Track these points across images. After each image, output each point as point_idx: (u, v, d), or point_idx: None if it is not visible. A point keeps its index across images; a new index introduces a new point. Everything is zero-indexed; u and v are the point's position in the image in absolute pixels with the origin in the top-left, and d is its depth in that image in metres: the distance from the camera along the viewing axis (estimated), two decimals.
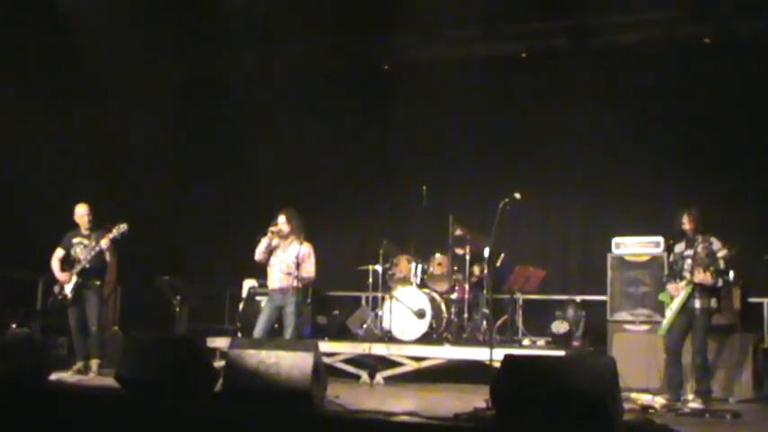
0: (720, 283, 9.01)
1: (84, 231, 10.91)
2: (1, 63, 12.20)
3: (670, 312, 9.18)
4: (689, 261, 9.13)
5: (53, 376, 9.69)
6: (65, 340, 11.66)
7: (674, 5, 12.73)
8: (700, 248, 9.05)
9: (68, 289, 10.70)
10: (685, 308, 9.04)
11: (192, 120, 15.12)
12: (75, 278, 10.69)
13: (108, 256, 10.87)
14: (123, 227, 10.61)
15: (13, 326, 11.43)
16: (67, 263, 10.83)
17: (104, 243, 10.62)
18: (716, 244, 9.01)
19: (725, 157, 12.68)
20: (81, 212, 10.90)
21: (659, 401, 8.93)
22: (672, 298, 9.18)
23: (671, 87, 12.99)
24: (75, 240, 10.87)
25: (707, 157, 12.77)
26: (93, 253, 10.67)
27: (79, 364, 10.68)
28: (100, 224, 10.89)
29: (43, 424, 7.88)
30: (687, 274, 9.09)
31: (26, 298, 12.43)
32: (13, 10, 12.13)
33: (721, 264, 8.92)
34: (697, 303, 8.98)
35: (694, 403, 8.85)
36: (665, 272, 10.03)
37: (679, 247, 9.33)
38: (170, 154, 14.40)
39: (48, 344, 11.36)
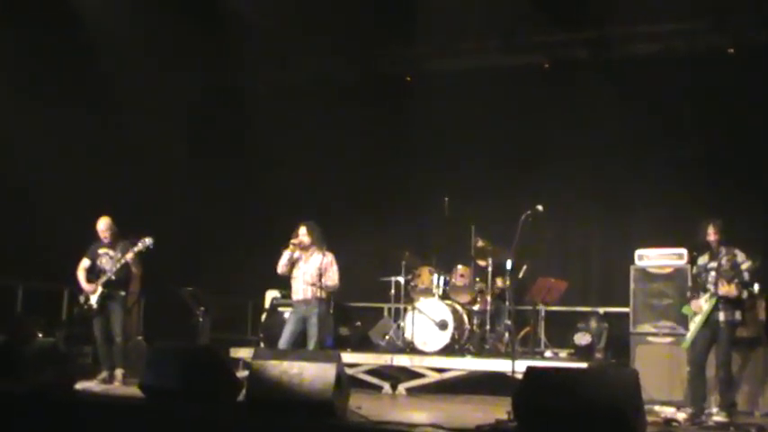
0: (745, 295, 8.94)
1: (108, 244, 10.99)
2: (27, 78, 12.31)
3: (694, 325, 9.12)
4: (713, 273, 9.07)
5: (79, 385, 9.76)
6: (90, 350, 11.74)
7: (697, 15, 12.69)
8: (724, 261, 8.99)
9: (94, 299, 10.77)
10: (709, 320, 8.98)
11: (215, 132, 15.20)
12: (100, 289, 10.76)
13: (134, 269, 10.94)
14: (148, 240, 10.68)
15: (39, 336, 11.51)
16: (93, 273, 10.91)
17: (129, 256, 10.70)
18: (740, 256, 8.95)
19: (748, 169, 12.62)
20: (102, 227, 10.96)
21: (683, 415, 8.90)
22: (695, 311, 9.13)
23: (693, 98, 12.94)
24: (100, 251, 10.96)
25: (730, 169, 12.71)
26: (118, 264, 10.75)
27: (104, 374, 10.75)
28: (124, 236, 10.96)
29: None
30: (711, 287, 9.03)
31: (51, 308, 12.51)
32: (37, 19, 12.29)
33: (746, 276, 8.86)
34: (721, 316, 8.92)
35: (718, 416, 8.79)
36: (689, 284, 9.98)
37: (703, 260, 9.28)
38: (193, 166, 14.47)
39: (73, 353, 11.43)
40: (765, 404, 9.82)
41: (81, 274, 10.92)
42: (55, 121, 12.29)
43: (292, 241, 10.62)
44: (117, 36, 12.74)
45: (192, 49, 13.68)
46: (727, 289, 8.82)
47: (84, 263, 10.95)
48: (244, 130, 15.07)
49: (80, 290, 10.93)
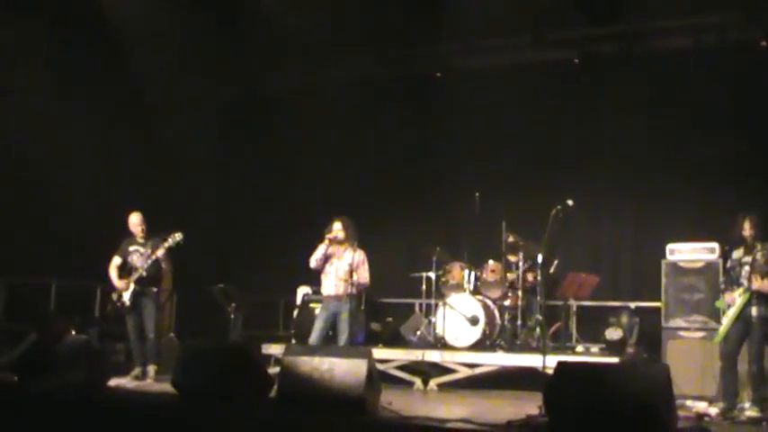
0: None
1: (140, 240, 11.09)
2: (56, 76, 12.42)
3: (726, 319, 9.08)
4: (747, 268, 9.01)
5: (112, 382, 9.86)
6: (122, 347, 11.83)
7: (728, 8, 12.60)
8: (759, 255, 8.93)
9: (126, 296, 10.87)
10: (742, 315, 8.93)
11: (246, 131, 15.27)
12: (132, 286, 10.85)
13: (164, 265, 11.02)
14: (178, 236, 10.77)
15: (72, 333, 11.61)
16: (125, 270, 11.01)
17: (160, 252, 10.79)
18: None
19: None
20: (135, 222, 11.08)
21: (715, 409, 8.86)
22: (728, 305, 9.08)
23: (725, 93, 12.83)
24: (131, 248, 11.05)
25: (762, 163, 12.61)
26: (149, 261, 10.83)
27: (137, 370, 10.84)
28: (154, 232, 11.05)
29: (104, 429, 8.01)
30: (744, 281, 8.98)
31: (84, 305, 12.62)
32: (67, 24, 12.41)
33: None
34: (754, 311, 8.87)
35: (751, 411, 8.74)
36: (721, 278, 9.92)
37: (737, 254, 9.22)
38: (224, 164, 14.55)
39: (106, 350, 11.53)
40: None
41: (113, 272, 11.02)
42: (86, 120, 12.38)
43: (328, 236, 10.66)
44: (147, 35, 12.80)
45: (223, 48, 13.73)
46: (761, 284, 8.77)
47: (116, 260, 11.05)
48: (275, 128, 15.11)
49: (112, 287, 11.03)
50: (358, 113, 14.87)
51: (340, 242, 10.66)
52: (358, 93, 14.89)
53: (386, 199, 14.90)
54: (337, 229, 10.66)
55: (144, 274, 10.85)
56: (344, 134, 14.79)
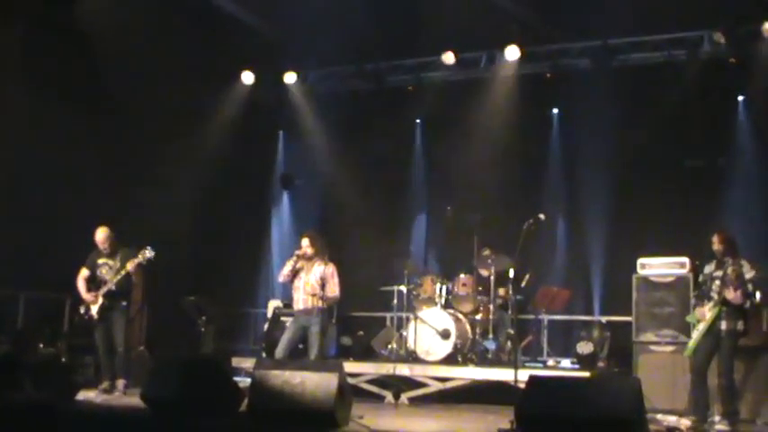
0: (748, 304, 8.95)
1: (107, 254, 10.99)
2: (24, 86, 12.32)
3: (697, 333, 9.12)
4: (717, 282, 9.06)
5: (80, 396, 9.77)
6: (91, 360, 11.72)
7: (699, 25, 12.71)
8: (729, 270, 8.97)
9: (94, 309, 10.76)
10: (712, 329, 8.97)
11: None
12: (101, 299, 10.75)
13: (134, 278, 10.91)
14: (149, 253, 10.65)
15: (41, 346, 11.51)
16: (93, 283, 10.90)
17: (130, 267, 10.68)
18: (746, 266, 8.94)
19: (750, 179, 12.63)
20: (100, 239, 10.93)
21: (685, 423, 8.88)
22: (699, 319, 9.12)
23: (696, 108, 12.95)
24: (99, 261, 10.94)
25: (732, 179, 12.72)
26: (118, 276, 10.73)
27: (105, 384, 10.72)
28: (124, 245, 10.96)
29: None
30: (715, 296, 9.03)
31: (53, 318, 12.50)
32: (41, 31, 12.33)
33: (749, 286, 8.87)
34: (723, 325, 8.91)
35: (721, 425, 8.78)
36: (692, 292, 9.97)
37: (708, 268, 9.27)
38: (196, 175, 14.47)
39: (74, 364, 11.43)
40: (767, 412, 9.79)
41: (81, 284, 10.91)
42: (55, 130, 12.26)
43: (296, 252, 10.66)
44: (120, 41, 12.75)
45: (196, 56, 13.71)
46: (734, 295, 8.79)
47: (84, 272, 10.93)
48: (245, 138, 15.08)
49: (81, 300, 10.92)
50: (331, 125, 14.92)
51: (308, 257, 10.63)
52: (330, 103, 14.93)
53: (357, 212, 14.89)
54: (305, 244, 10.64)
55: (113, 288, 10.74)
56: (317, 145, 14.83)
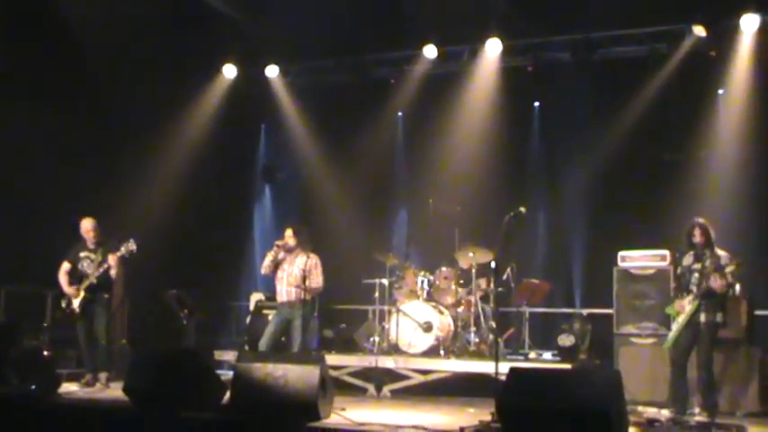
0: (730, 293, 9.01)
1: (91, 246, 10.96)
2: (8, 78, 12.25)
3: (676, 326, 9.17)
4: (696, 275, 9.10)
5: (62, 389, 9.75)
6: (73, 353, 11.69)
7: (680, 18, 12.76)
8: (708, 262, 9.02)
9: (76, 303, 10.73)
10: (691, 322, 9.02)
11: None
12: (82, 293, 10.72)
13: (113, 272, 10.85)
14: (132, 245, 10.62)
15: (23, 340, 11.47)
16: (74, 276, 10.86)
17: (112, 260, 10.64)
18: (724, 258, 8.98)
19: (731, 172, 12.70)
20: (86, 227, 10.93)
21: (665, 415, 8.95)
22: (678, 312, 9.17)
23: (677, 100, 13.02)
24: (81, 255, 10.91)
25: (713, 171, 12.80)
26: (100, 269, 10.70)
27: (88, 377, 10.70)
28: (107, 238, 10.94)
29: None
30: (694, 288, 9.08)
31: (35, 312, 12.45)
32: (21, 22, 12.27)
33: (729, 278, 8.91)
34: (702, 317, 8.95)
35: (700, 417, 8.83)
36: (672, 285, 10.02)
37: (687, 260, 9.29)
38: (178, 168, 14.44)
39: (57, 357, 11.38)
40: (746, 404, 9.86)
41: (62, 278, 10.88)
42: (34, 124, 12.20)
43: (276, 243, 10.68)
44: (104, 36, 12.70)
45: (177, 50, 13.67)
46: (719, 283, 8.80)
47: (65, 266, 10.90)
48: (228, 129, 15.06)
49: (62, 294, 10.89)
50: (315, 117, 14.95)
51: (291, 249, 10.65)
52: (317, 97, 14.96)
53: (340, 204, 14.91)
54: (288, 235, 10.67)
55: (95, 281, 10.72)
56: (304, 135, 14.87)
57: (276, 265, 10.71)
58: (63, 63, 12.65)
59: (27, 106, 12.08)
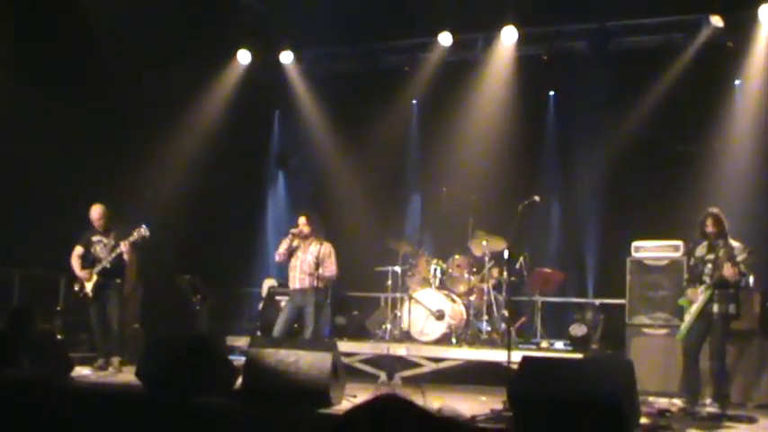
0: (743, 282, 8.97)
1: (102, 231, 10.98)
2: (19, 62, 12.27)
3: (689, 317, 9.13)
4: (709, 265, 9.07)
5: (74, 373, 9.78)
6: (86, 337, 11.74)
7: (699, 8, 12.69)
8: (721, 253, 8.98)
9: (89, 287, 10.77)
10: (704, 312, 8.98)
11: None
12: (95, 277, 10.76)
13: (126, 257, 10.87)
14: (144, 230, 10.64)
15: (36, 324, 11.51)
16: (87, 260, 10.90)
17: (124, 246, 10.66)
18: (737, 249, 8.95)
19: (746, 163, 12.65)
20: (95, 215, 10.95)
21: (677, 405, 8.94)
22: (691, 302, 9.14)
23: (692, 91, 12.96)
24: (94, 239, 10.94)
25: (728, 161, 12.74)
26: (113, 254, 10.73)
27: (100, 361, 10.75)
28: (117, 223, 10.95)
29: (66, 421, 7.95)
30: (707, 279, 9.04)
31: (48, 296, 12.50)
32: (34, 9, 12.29)
33: (742, 267, 8.87)
34: (715, 308, 8.92)
35: (712, 408, 8.81)
36: (685, 276, 9.99)
37: (700, 251, 9.26)
38: (191, 154, 14.45)
39: (69, 341, 11.44)
40: (758, 396, 9.84)
41: (75, 262, 10.92)
42: (48, 109, 12.21)
43: (291, 230, 10.69)
44: (115, 24, 12.70)
45: (187, 38, 13.66)
46: (731, 272, 8.77)
47: (78, 250, 10.94)
48: (239, 119, 15.06)
49: (75, 278, 10.93)
50: (326, 103, 14.96)
51: (305, 236, 10.66)
52: (329, 84, 14.95)
53: (353, 192, 14.91)
54: (302, 223, 10.68)
55: (107, 265, 10.76)
56: (315, 121, 14.88)
57: (290, 252, 10.72)
58: (77, 49, 12.64)
59: (41, 92, 12.09)
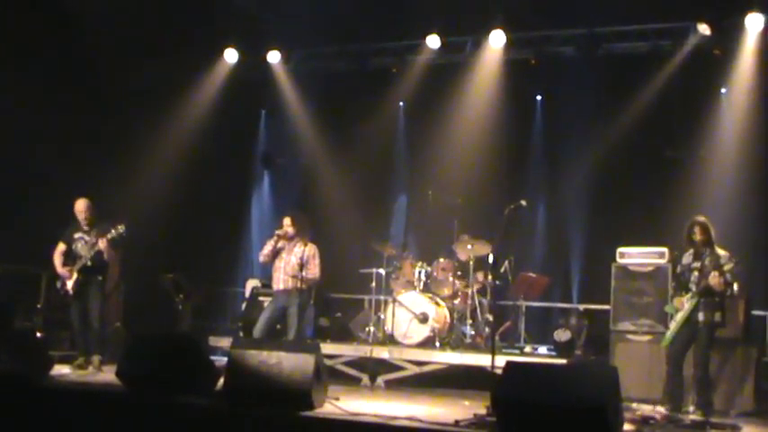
0: (729, 292, 8.96)
1: (85, 227, 10.91)
2: (2, 57, 12.19)
3: (674, 324, 9.13)
4: (696, 273, 9.07)
5: (54, 371, 9.71)
6: (67, 335, 11.65)
7: (687, 16, 12.71)
8: (707, 261, 8.98)
9: (70, 284, 10.69)
10: (689, 320, 8.98)
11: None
12: (76, 274, 10.68)
13: (106, 255, 10.81)
14: (121, 228, 10.58)
15: (17, 321, 11.42)
16: (69, 258, 10.82)
17: (102, 244, 10.60)
18: (723, 257, 8.95)
19: (731, 171, 12.68)
20: (80, 208, 10.87)
21: (660, 412, 8.92)
22: (677, 310, 9.13)
23: (679, 97, 12.98)
24: (76, 236, 10.87)
25: (713, 170, 12.77)
26: (93, 250, 10.67)
27: (80, 360, 10.67)
28: (102, 219, 10.88)
29: (44, 419, 7.89)
30: (693, 287, 9.04)
31: (29, 293, 12.42)
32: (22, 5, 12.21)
33: (728, 276, 8.87)
34: (701, 316, 8.92)
35: (695, 415, 8.80)
36: (670, 283, 9.98)
37: (687, 259, 9.26)
38: (177, 153, 14.39)
39: (50, 339, 11.35)
40: (742, 404, 9.82)
41: (57, 259, 10.85)
42: (28, 105, 12.13)
43: (277, 232, 10.64)
44: (101, 21, 12.62)
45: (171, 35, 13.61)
46: (717, 281, 8.76)
47: (61, 247, 10.87)
48: (229, 116, 15.01)
49: (56, 275, 10.85)
50: (314, 106, 14.92)
51: (290, 238, 10.61)
52: (314, 85, 14.91)
53: (338, 193, 14.87)
54: (287, 224, 10.63)
55: (89, 263, 10.69)
56: (298, 123, 14.84)
57: (275, 253, 10.67)
58: (62, 45, 12.58)
59: (23, 88, 12.02)
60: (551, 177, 13.99)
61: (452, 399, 9.60)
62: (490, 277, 11.87)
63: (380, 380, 10.96)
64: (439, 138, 14.36)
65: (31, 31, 12.23)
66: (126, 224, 10.62)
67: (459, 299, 12.20)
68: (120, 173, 13.23)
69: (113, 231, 10.59)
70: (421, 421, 7.48)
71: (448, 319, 11.91)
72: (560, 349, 11.61)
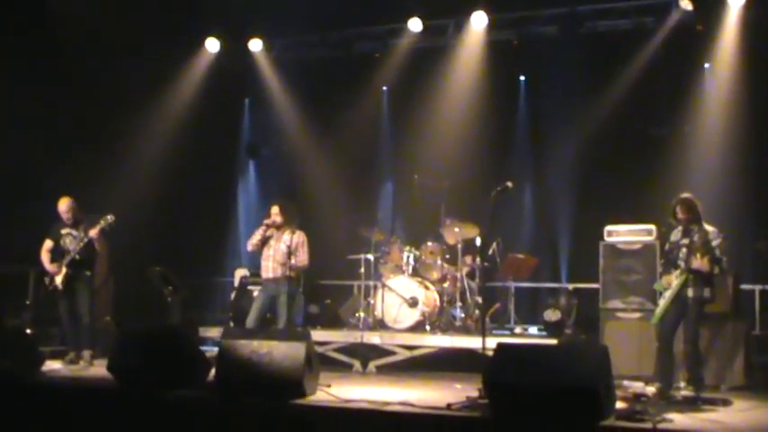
0: (717, 270, 8.96)
1: (70, 226, 10.87)
2: None
3: (663, 301, 9.14)
4: (684, 250, 9.06)
5: (45, 367, 9.69)
6: (56, 331, 11.62)
7: None
8: (696, 237, 8.97)
9: (59, 280, 10.66)
10: (678, 296, 8.98)
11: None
12: (64, 269, 10.65)
13: (98, 246, 10.80)
14: (110, 217, 10.58)
15: (6, 319, 11.40)
16: (57, 254, 10.79)
17: (93, 233, 10.58)
18: (712, 233, 8.95)
19: (717, 146, 12.70)
20: (63, 209, 10.82)
21: (651, 389, 8.93)
22: (666, 288, 9.14)
23: (663, 75, 12.99)
24: (63, 231, 10.83)
25: (698, 146, 12.79)
26: (81, 244, 10.64)
27: (71, 355, 10.66)
28: (86, 216, 10.85)
29: (36, 415, 7.88)
30: (682, 263, 9.04)
31: (17, 290, 12.37)
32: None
33: (717, 252, 8.88)
34: (690, 292, 8.92)
35: (686, 391, 8.83)
36: (659, 260, 9.99)
37: (675, 236, 9.25)
38: (161, 144, 14.33)
39: (40, 335, 11.32)
40: (732, 378, 9.88)
41: (45, 256, 10.81)
42: (13, 101, 12.06)
43: (265, 221, 10.62)
44: (83, 15, 12.54)
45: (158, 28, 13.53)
46: (700, 263, 8.80)
47: (48, 244, 10.83)
48: (211, 107, 14.95)
49: (44, 271, 10.82)
50: (299, 90, 14.88)
51: (278, 226, 10.59)
52: (301, 71, 14.87)
53: (325, 180, 14.85)
54: (274, 212, 10.61)
55: (76, 257, 10.65)
56: (286, 111, 14.80)
57: (263, 242, 10.65)
58: (43, 38, 12.50)
59: (5, 83, 11.95)
60: (537, 158, 13.99)
61: (444, 382, 9.61)
62: (478, 260, 11.88)
63: (372, 365, 10.97)
64: (424, 122, 14.34)
65: (8, 27, 12.14)
66: (116, 216, 10.60)
67: (448, 282, 12.20)
68: (104, 166, 13.16)
69: (102, 222, 10.57)
70: (414, 406, 7.48)
71: (437, 303, 11.91)
72: (550, 329, 11.64)
